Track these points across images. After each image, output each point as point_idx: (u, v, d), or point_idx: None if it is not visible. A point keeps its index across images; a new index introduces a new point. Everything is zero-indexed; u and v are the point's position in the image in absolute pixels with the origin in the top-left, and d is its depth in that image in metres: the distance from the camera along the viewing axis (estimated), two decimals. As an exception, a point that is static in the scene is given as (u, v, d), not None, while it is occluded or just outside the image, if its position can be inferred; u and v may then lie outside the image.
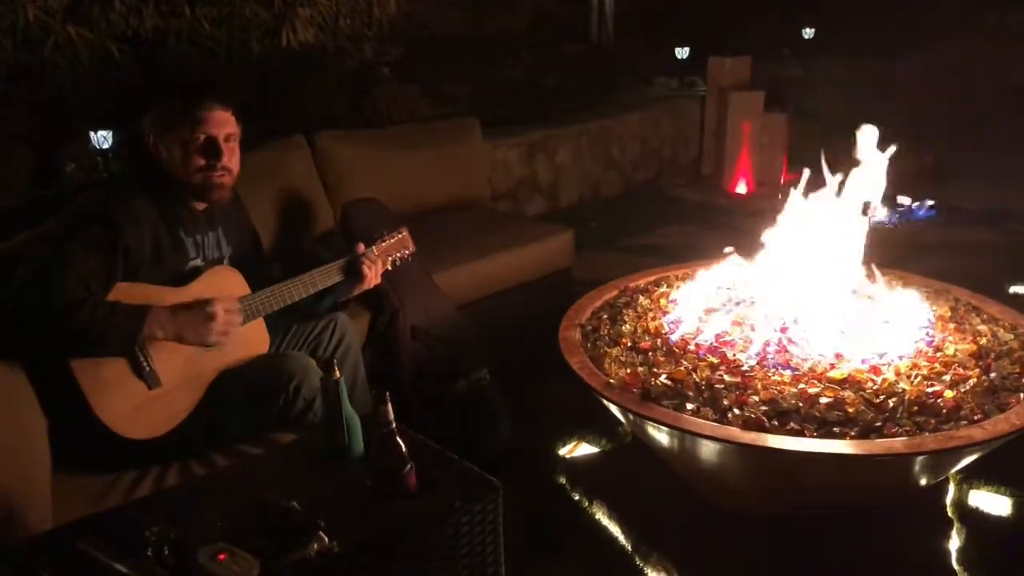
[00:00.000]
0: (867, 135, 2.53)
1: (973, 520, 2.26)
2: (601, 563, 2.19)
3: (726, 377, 2.11)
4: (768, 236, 2.56)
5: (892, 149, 2.54)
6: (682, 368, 2.16)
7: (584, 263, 3.81)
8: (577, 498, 2.41)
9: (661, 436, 2.08)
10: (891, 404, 1.97)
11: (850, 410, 1.95)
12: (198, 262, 2.10)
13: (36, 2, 3.20)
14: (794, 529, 2.17)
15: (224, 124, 2.06)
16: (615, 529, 2.27)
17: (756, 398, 2.02)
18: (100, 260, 1.87)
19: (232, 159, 2.09)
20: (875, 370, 2.12)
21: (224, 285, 2.09)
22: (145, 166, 2.07)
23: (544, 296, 3.41)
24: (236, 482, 1.71)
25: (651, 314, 2.52)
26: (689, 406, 2.00)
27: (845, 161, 2.54)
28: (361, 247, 2.32)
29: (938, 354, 2.23)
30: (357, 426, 1.72)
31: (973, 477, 2.36)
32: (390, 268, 2.40)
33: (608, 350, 2.31)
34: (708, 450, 2.00)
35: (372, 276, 2.31)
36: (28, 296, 1.78)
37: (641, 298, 2.66)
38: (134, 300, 1.89)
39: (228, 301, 2.00)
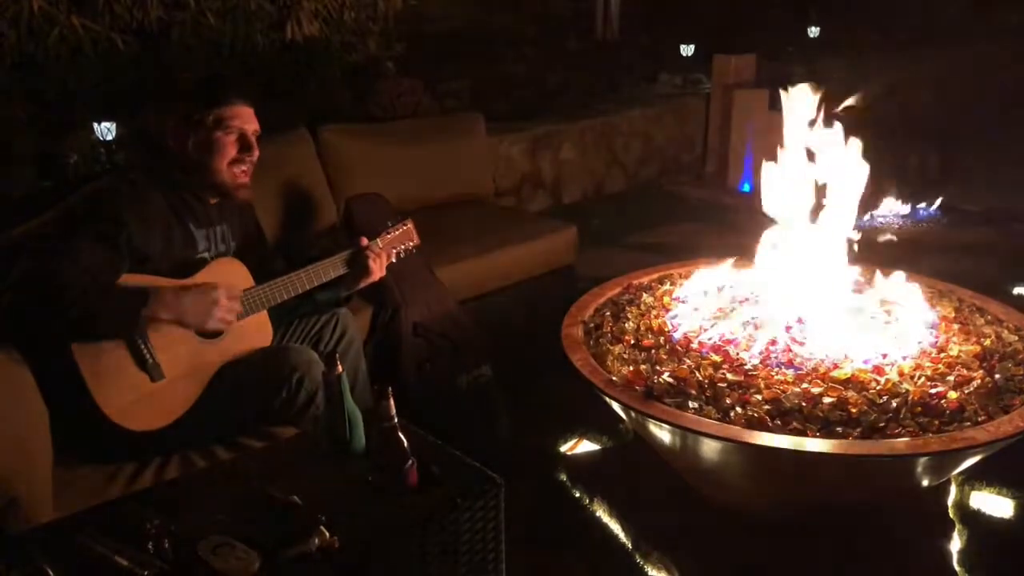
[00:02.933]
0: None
1: (975, 522, 2.25)
2: (601, 560, 2.19)
3: (729, 376, 2.10)
4: (771, 233, 2.56)
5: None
6: (685, 366, 2.15)
7: (587, 260, 3.80)
8: (578, 495, 2.41)
9: (663, 434, 2.07)
10: (894, 405, 1.97)
11: (853, 410, 1.95)
12: (206, 255, 2.11)
13: (40, -8, 3.19)
14: (795, 529, 2.16)
15: (251, 119, 2.10)
16: (615, 527, 2.27)
17: (759, 397, 2.01)
18: (105, 253, 1.87)
19: (256, 154, 2.12)
20: (878, 370, 2.12)
21: (228, 277, 2.09)
22: (158, 159, 2.08)
23: (547, 293, 3.40)
24: (237, 476, 1.71)
25: (654, 312, 2.52)
26: (691, 404, 2.00)
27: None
28: (364, 240, 2.31)
29: (942, 355, 2.22)
30: (359, 421, 1.72)
31: (975, 479, 2.36)
32: (394, 260, 2.39)
33: (611, 347, 2.30)
34: (710, 449, 2.00)
35: (377, 269, 2.31)
36: (31, 284, 1.77)
37: (644, 295, 2.65)
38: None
39: (231, 288, 2.00)
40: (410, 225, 2.44)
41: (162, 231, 1.99)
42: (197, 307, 1.93)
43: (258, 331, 2.17)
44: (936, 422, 1.92)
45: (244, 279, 2.14)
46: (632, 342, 2.34)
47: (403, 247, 2.41)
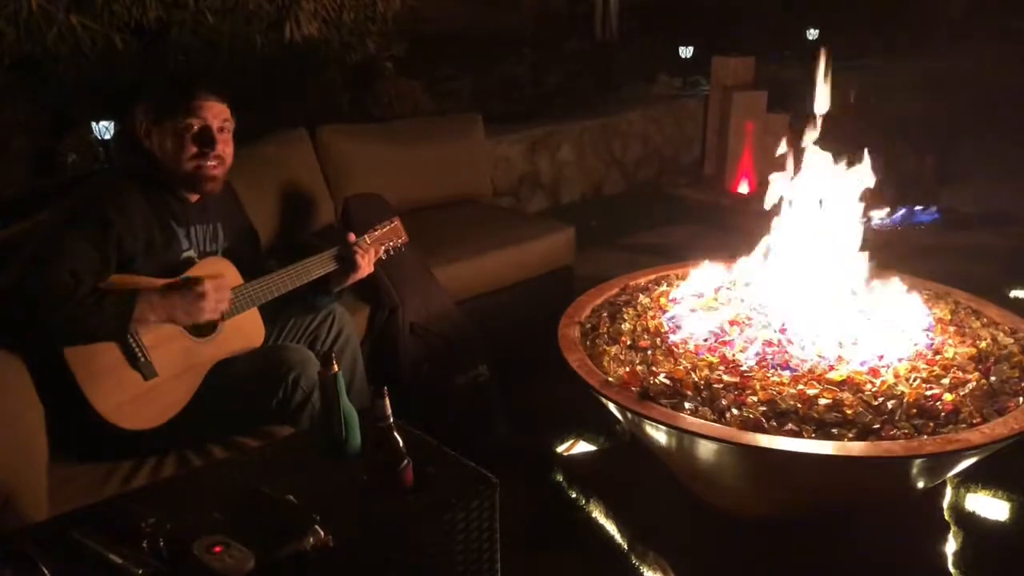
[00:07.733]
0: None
1: (970, 524, 2.26)
2: (597, 561, 2.19)
3: (725, 377, 2.11)
4: (769, 233, 2.56)
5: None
6: (681, 367, 2.16)
7: (585, 261, 3.80)
8: (574, 496, 2.41)
9: (659, 435, 2.08)
10: (890, 406, 1.97)
11: (848, 412, 1.95)
12: (191, 253, 2.09)
13: (40, -10, 3.19)
14: (790, 531, 2.16)
15: (219, 114, 2.05)
16: (611, 527, 2.27)
17: (754, 398, 2.01)
18: (92, 253, 1.86)
19: (226, 149, 2.08)
20: (874, 372, 2.12)
21: (217, 275, 2.09)
22: (135, 157, 2.06)
23: (544, 293, 3.40)
24: (233, 475, 1.70)
25: (651, 313, 2.52)
26: (687, 405, 2.00)
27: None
28: (352, 236, 2.30)
29: (937, 357, 2.22)
30: (355, 420, 1.72)
31: (971, 481, 2.36)
32: (383, 257, 2.39)
33: (607, 348, 2.31)
34: (706, 450, 2.00)
35: (366, 265, 2.30)
36: (20, 291, 1.77)
37: (641, 296, 2.65)
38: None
39: (216, 280, 2.00)
40: (397, 222, 2.44)
41: (144, 229, 1.98)
42: (184, 303, 1.92)
43: (250, 329, 2.16)
44: (931, 424, 1.92)
45: (233, 277, 2.13)
46: (628, 343, 2.34)
47: (391, 244, 2.41)
